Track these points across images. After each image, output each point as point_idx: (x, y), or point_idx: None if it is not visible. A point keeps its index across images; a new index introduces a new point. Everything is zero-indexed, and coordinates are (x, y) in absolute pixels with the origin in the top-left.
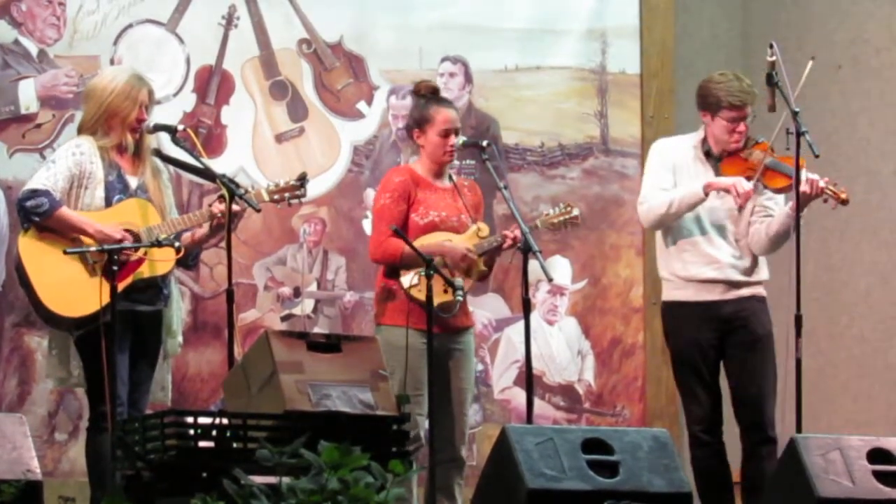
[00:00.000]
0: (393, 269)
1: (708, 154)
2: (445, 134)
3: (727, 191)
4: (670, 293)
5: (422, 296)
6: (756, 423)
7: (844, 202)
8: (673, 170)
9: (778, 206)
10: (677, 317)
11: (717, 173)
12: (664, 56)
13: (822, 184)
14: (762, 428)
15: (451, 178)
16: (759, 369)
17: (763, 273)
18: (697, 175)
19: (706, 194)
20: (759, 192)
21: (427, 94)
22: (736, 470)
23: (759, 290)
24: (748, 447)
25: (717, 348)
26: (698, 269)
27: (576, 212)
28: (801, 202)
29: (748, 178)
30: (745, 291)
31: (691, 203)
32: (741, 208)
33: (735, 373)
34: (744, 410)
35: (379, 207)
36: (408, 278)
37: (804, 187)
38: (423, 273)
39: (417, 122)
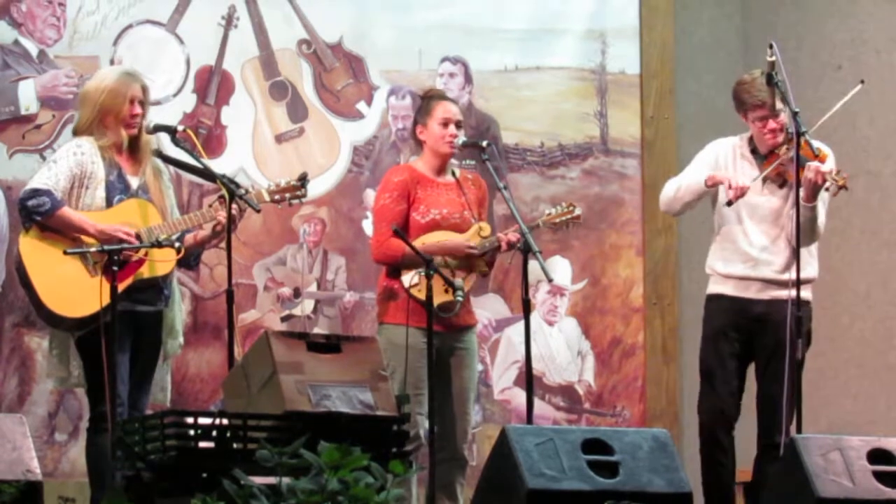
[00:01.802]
0: (395, 269)
1: (755, 152)
2: (445, 123)
3: (722, 184)
4: (711, 287)
5: (422, 295)
6: (766, 428)
7: (844, 187)
8: (715, 166)
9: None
10: (712, 308)
11: (761, 171)
12: (664, 56)
13: (824, 169)
14: (770, 433)
15: (453, 173)
16: (779, 375)
17: (808, 270)
18: (743, 171)
19: (707, 186)
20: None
21: (433, 96)
22: (743, 469)
23: (802, 293)
24: (758, 449)
25: (747, 345)
26: (734, 266)
27: (578, 211)
28: (810, 191)
29: (777, 174)
30: (782, 293)
31: (694, 191)
32: (730, 203)
33: (759, 374)
34: (759, 412)
35: (379, 207)
36: (408, 277)
37: (809, 174)
38: (422, 273)
39: (419, 117)
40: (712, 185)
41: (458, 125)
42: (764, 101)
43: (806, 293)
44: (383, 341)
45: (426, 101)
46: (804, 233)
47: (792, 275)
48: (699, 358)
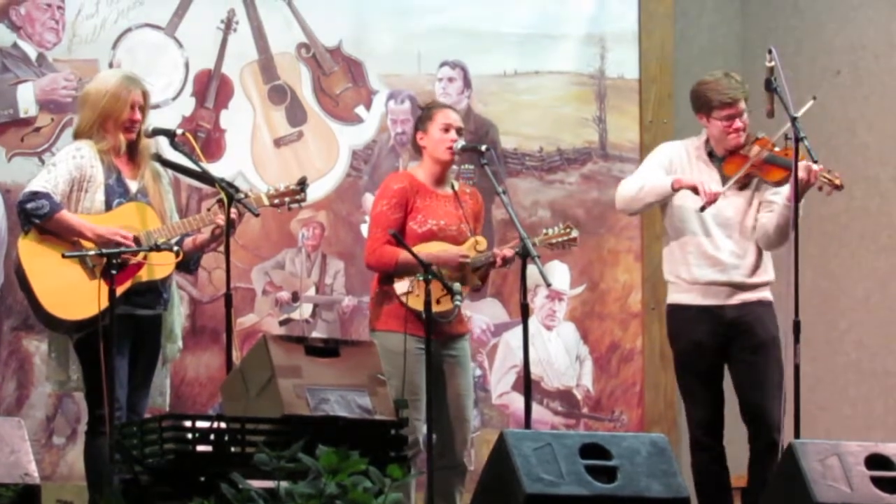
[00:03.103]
0: (387, 276)
1: (711, 155)
2: (446, 129)
3: (694, 189)
4: (674, 296)
5: (416, 303)
6: (761, 429)
7: (839, 187)
8: (669, 169)
9: (781, 200)
10: (680, 319)
11: (721, 173)
12: (663, 61)
13: (816, 168)
14: (768, 433)
15: (452, 185)
16: (763, 374)
17: (769, 273)
18: (700, 174)
19: (674, 189)
20: (762, 188)
21: (433, 106)
22: (739, 475)
23: (765, 295)
24: (753, 452)
25: (721, 352)
26: (702, 271)
27: (575, 233)
28: (799, 190)
29: (747, 175)
30: (749, 296)
31: (658, 192)
32: (703, 209)
33: (739, 378)
34: (749, 416)
35: (376, 214)
36: (402, 285)
37: (801, 173)
38: (419, 278)
39: (420, 124)
40: (678, 189)
41: (459, 132)
42: (732, 98)
43: (767, 294)
44: (377, 347)
45: (427, 108)
46: (782, 233)
47: (760, 278)
48: (676, 374)
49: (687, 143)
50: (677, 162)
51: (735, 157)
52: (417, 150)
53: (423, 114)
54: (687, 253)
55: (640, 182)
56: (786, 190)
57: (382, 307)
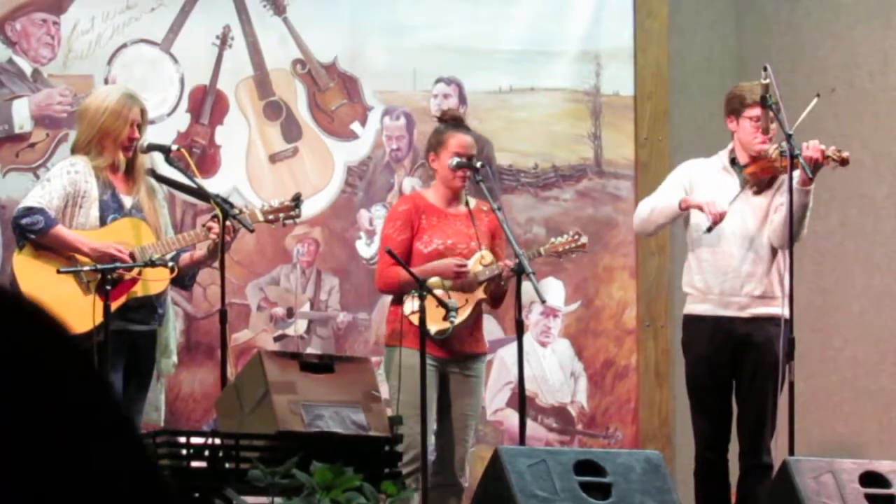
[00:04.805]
0: (399, 298)
1: (734, 162)
2: (459, 157)
3: (700, 209)
4: (689, 307)
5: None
6: (751, 448)
7: (845, 161)
8: (689, 186)
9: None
10: (693, 330)
11: (742, 179)
12: (658, 78)
13: (822, 147)
14: (756, 453)
15: (467, 202)
16: (762, 396)
17: (785, 284)
18: (723, 185)
19: (682, 209)
20: (783, 190)
21: (448, 121)
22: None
23: (778, 311)
24: (742, 469)
25: (730, 366)
26: (715, 279)
27: (584, 239)
28: (810, 169)
29: (762, 169)
30: (763, 310)
31: (667, 213)
32: (710, 229)
33: (740, 395)
34: (742, 433)
35: (383, 238)
36: (409, 304)
37: (808, 153)
38: (413, 294)
39: (433, 146)
40: (686, 209)
41: (471, 159)
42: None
43: (779, 309)
44: (391, 363)
45: (442, 129)
46: (796, 221)
47: (774, 289)
48: (687, 384)
49: (711, 158)
50: (697, 179)
51: (756, 160)
52: (428, 170)
53: (438, 136)
54: (702, 261)
55: (652, 204)
56: (796, 175)
57: (393, 324)
